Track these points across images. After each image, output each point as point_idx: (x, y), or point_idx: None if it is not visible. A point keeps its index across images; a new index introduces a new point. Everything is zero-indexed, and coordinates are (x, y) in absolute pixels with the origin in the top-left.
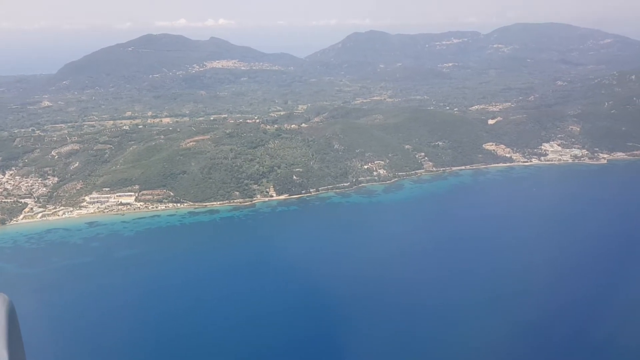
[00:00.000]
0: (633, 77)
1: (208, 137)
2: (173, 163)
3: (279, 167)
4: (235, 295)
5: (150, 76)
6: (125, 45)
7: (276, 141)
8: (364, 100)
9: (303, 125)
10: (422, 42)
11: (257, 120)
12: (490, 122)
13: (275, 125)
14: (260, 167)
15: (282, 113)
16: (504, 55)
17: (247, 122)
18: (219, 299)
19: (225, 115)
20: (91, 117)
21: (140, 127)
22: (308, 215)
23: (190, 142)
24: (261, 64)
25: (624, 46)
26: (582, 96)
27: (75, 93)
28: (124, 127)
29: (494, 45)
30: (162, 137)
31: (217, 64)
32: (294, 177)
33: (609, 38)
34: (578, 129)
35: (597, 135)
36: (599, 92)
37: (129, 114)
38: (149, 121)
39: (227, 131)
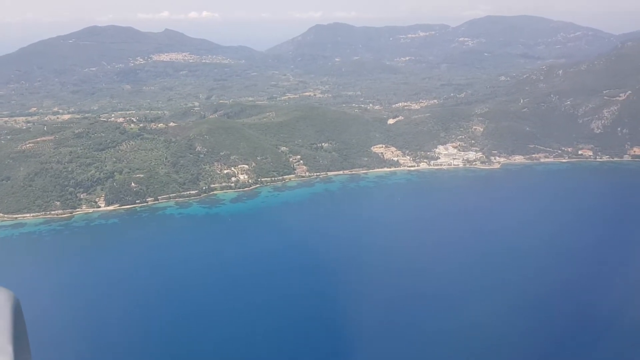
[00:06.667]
0: (560, 72)
1: (52, 137)
2: None
3: (120, 173)
4: None
5: (86, 69)
6: (66, 37)
7: (132, 142)
8: (292, 96)
9: (171, 124)
10: (386, 34)
11: (125, 119)
12: (391, 121)
13: (141, 124)
14: (97, 173)
15: (197, 109)
16: (465, 49)
17: (105, 121)
18: None
19: (133, 111)
20: None
21: (28, 125)
22: (117, 232)
23: (30, 143)
24: (214, 56)
25: (592, 40)
26: (506, 92)
27: None
28: None
29: (460, 39)
30: (9, 137)
31: (165, 57)
32: (133, 184)
33: (579, 31)
34: (481, 130)
35: (499, 137)
36: (523, 88)
37: (33, 109)
38: (46, 118)
39: (77, 131)
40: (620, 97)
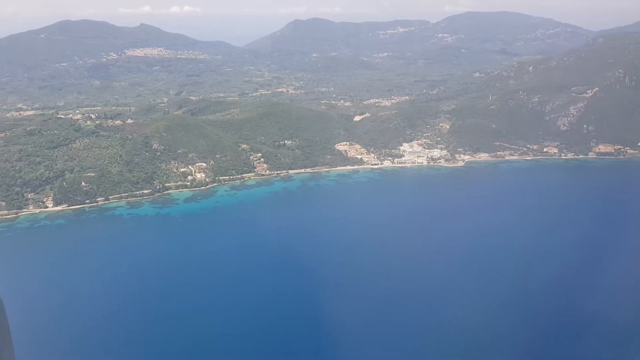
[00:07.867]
0: (530, 68)
1: (2, 135)
2: None
3: (71, 172)
4: None
5: (57, 65)
6: (37, 31)
7: (86, 140)
8: (265, 92)
9: (129, 121)
10: (366, 30)
11: (82, 116)
12: (357, 118)
13: (97, 121)
14: (46, 172)
15: (163, 105)
16: (444, 45)
17: (60, 118)
18: None
19: (99, 107)
20: None
21: None
22: (60, 233)
23: None
24: (189, 52)
25: (570, 36)
26: (477, 89)
27: None
28: None
29: (439, 35)
30: None
31: (139, 52)
32: (83, 183)
33: (558, 27)
34: (447, 127)
35: (465, 134)
36: (494, 84)
37: None
38: (8, 115)
39: (29, 128)
40: (587, 94)
